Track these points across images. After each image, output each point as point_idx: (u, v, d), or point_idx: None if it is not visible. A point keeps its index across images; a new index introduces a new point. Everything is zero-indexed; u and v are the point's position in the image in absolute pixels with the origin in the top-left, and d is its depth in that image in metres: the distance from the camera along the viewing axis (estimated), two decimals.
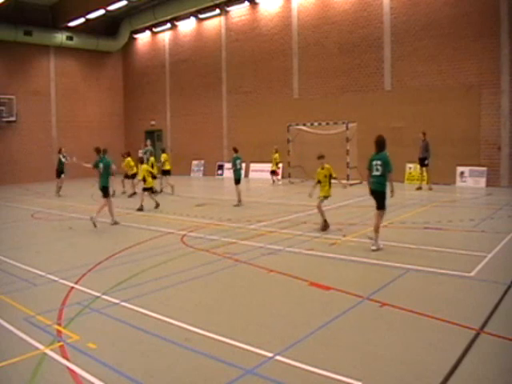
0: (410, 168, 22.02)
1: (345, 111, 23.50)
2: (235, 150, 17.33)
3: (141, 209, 16.18)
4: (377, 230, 9.62)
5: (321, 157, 11.94)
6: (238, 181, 16.79)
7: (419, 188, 19.66)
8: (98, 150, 14.37)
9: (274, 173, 24.34)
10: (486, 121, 19.90)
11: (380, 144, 10.02)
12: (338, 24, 24.37)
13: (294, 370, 4.82)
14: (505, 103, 19.43)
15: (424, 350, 5.20)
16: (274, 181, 24.25)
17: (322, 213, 11.79)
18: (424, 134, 19.64)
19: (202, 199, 18.57)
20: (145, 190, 16.53)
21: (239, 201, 16.68)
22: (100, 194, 14.05)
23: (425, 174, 20.09)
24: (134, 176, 20.47)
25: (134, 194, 19.99)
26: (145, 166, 16.73)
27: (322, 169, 11.86)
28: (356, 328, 5.87)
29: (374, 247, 9.57)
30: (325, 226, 11.76)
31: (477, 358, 4.98)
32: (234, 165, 16.96)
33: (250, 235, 11.53)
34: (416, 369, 4.82)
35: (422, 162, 19.78)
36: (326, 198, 11.87)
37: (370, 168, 9.91)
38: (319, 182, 11.91)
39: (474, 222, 12.18)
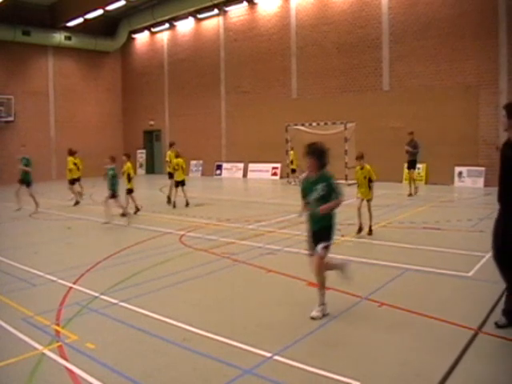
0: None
1: (343, 111, 23.49)
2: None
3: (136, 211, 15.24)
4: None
5: (359, 157, 11.13)
6: None
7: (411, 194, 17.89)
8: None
9: (294, 172, 23.72)
10: (485, 121, 19.92)
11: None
12: (336, 24, 24.37)
13: (292, 369, 4.82)
14: (503, 103, 19.27)
15: (422, 349, 5.20)
16: (289, 182, 23.26)
17: (358, 215, 11.15)
18: (411, 133, 18.10)
19: (200, 199, 18.56)
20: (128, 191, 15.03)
21: None
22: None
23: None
24: (74, 181, 19.09)
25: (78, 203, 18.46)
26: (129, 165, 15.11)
27: (362, 169, 11.11)
28: (354, 328, 5.87)
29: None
30: (359, 230, 11.15)
31: (475, 358, 4.99)
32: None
33: (248, 235, 11.53)
34: (414, 369, 4.82)
35: (412, 165, 18.06)
36: (364, 200, 11.18)
37: None
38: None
39: (472, 222, 12.19)
